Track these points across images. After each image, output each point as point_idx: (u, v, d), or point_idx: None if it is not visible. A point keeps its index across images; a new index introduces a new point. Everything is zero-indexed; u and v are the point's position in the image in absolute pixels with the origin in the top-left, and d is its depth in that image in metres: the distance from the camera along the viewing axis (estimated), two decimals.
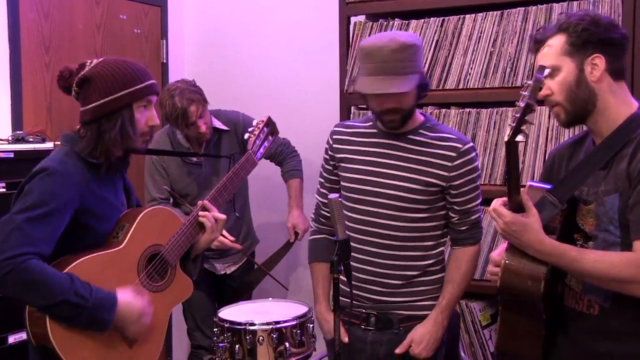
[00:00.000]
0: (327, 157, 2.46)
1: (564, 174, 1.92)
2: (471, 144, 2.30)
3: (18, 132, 3.02)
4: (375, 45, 2.17)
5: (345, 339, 2.35)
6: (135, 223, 2.14)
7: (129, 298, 2.04)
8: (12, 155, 2.74)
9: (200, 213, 2.30)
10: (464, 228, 2.32)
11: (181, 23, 4.20)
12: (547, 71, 1.72)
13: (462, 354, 2.77)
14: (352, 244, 2.31)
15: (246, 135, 2.60)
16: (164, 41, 4.07)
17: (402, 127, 2.29)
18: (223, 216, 2.34)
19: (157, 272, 2.21)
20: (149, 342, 2.18)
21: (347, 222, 2.31)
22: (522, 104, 1.67)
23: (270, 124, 2.67)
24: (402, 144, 2.30)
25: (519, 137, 1.67)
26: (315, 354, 2.67)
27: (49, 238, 1.95)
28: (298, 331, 2.49)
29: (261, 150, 2.61)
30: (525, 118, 1.67)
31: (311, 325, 2.56)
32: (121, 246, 2.09)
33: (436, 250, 2.35)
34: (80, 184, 2.02)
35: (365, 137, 2.37)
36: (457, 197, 2.28)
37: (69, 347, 1.97)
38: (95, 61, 2.11)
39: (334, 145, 2.42)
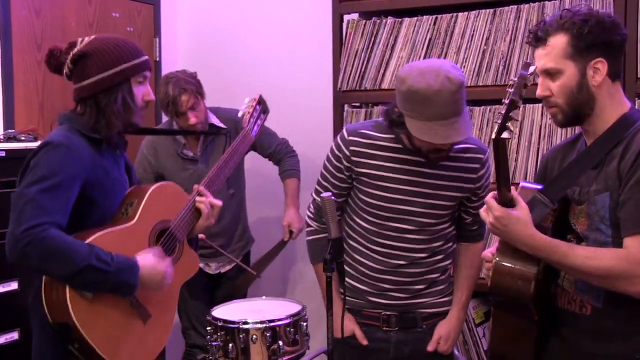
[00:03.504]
0: (342, 166, 2.33)
1: (556, 173, 1.92)
2: (489, 150, 2.33)
3: (10, 130, 3.00)
4: (432, 89, 2.04)
5: (364, 342, 2.37)
6: (145, 198, 2.15)
7: (151, 260, 2.07)
8: (3, 154, 2.73)
9: (197, 199, 2.30)
10: (476, 227, 2.38)
11: (174, 21, 4.19)
12: (532, 68, 1.70)
13: (456, 352, 2.77)
14: (376, 256, 2.33)
15: (240, 113, 2.60)
16: (157, 39, 4.05)
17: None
18: (219, 202, 2.34)
19: (167, 248, 2.22)
20: (162, 317, 2.20)
21: (370, 237, 2.33)
22: (507, 101, 1.67)
23: (261, 102, 2.68)
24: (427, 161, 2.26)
25: (505, 134, 1.67)
26: (308, 352, 2.67)
27: (62, 209, 1.97)
28: (291, 329, 2.49)
29: (255, 128, 2.60)
30: (510, 115, 1.67)
31: (305, 324, 2.56)
32: (132, 222, 2.10)
33: (452, 249, 2.41)
34: (85, 158, 2.04)
35: (390, 151, 2.28)
36: (477, 201, 2.33)
37: (89, 322, 1.97)
38: (87, 39, 2.12)
39: (353, 158, 2.30)
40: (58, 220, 1.94)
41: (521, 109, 2.80)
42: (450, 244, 2.38)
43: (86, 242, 1.97)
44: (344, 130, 2.37)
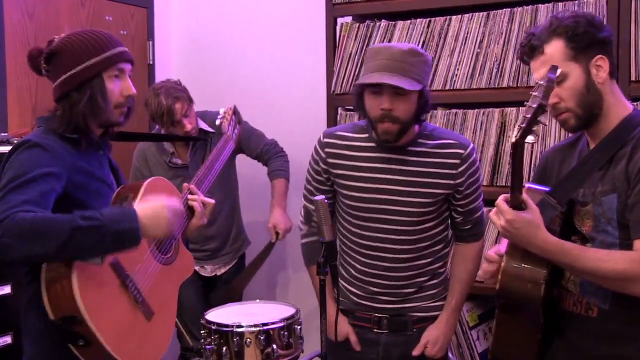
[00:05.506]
0: (319, 169, 2.36)
1: (563, 176, 1.90)
2: (472, 145, 2.28)
3: (2, 134, 2.99)
4: (386, 45, 2.17)
5: (357, 348, 2.37)
6: (142, 191, 2.03)
7: (148, 203, 1.92)
8: None
9: (189, 197, 2.23)
10: (468, 227, 2.33)
11: (167, 24, 4.18)
12: (559, 70, 1.69)
13: (450, 355, 2.77)
14: (362, 259, 2.33)
15: (217, 121, 2.62)
16: (151, 42, 4.05)
17: (397, 141, 2.23)
18: (211, 200, 2.27)
19: (164, 244, 2.14)
20: (164, 315, 2.13)
21: (354, 239, 2.33)
22: (534, 105, 1.65)
23: (236, 112, 2.71)
24: (403, 157, 2.25)
25: (530, 138, 1.66)
26: (302, 355, 2.67)
27: (37, 199, 1.80)
28: (285, 333, 2.48)
29: (233, 136, 2.65)
30: (538, 119, 1.65)
31: (298, 327, 2.56)
32: None
33: (443, 252, 2.37)
34: (64, 158, 1.91)
35: (363, 151, 2.29)
36: (463, 199, 2.28)
37: (96, 314, 1.84)
38: (62, 35, 2.01)
39: (329, 160, 2.33)
40: (29, 208, 1.76)
41: (516, 111, 2.80)
42: (439, 247, 2.34)
43: None
44: (322, 133, 2.39)
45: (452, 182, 2.24)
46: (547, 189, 1.85)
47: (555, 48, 1.79)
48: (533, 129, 1.66)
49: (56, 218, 1.77)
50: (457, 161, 2.24)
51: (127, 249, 1.86)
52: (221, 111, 2.68)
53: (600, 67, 1.79)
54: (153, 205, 1.92)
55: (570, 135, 2.04)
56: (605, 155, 1.81)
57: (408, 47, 2.15)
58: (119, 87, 2.00)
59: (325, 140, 2.35)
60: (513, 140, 1.67)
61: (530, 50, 1.84)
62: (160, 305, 2.09)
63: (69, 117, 1.96)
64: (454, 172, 2.24)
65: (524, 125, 1.65)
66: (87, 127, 1.98)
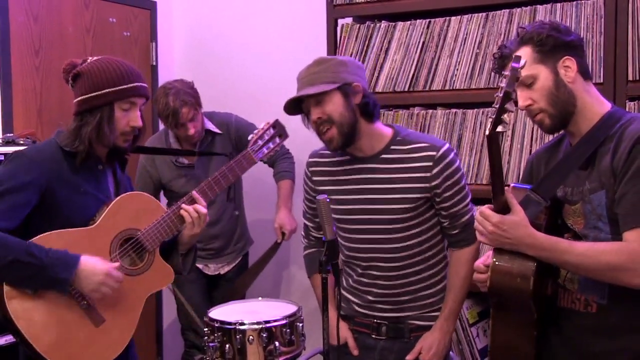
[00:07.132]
0: (307, 188, 2.47)
1: (546, 172, 1.94)
2: (446, 146, 2.26)
3: (8, 134, 3.02)
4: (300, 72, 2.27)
5: (355, 352, 2.40)
6: (111, 205, 2.17)
7: (94, 260, 2.07)
8: (2, 158, 2.75)
9: (183, 206, 2.28)
10: (456, 231, 2.32)
11: (170, 26, 4.21)
12: (522, 61, 1.74)
13: (450, 353, 2.79)
14: (357, 269, 2.37)
15: (250, 136, 2.56)
16: (154, 44, 4.08)
17: (349, 145, 2.26)
18: (204, 210, 2.30)
19: (131, 256, 2.22)
20: (119, 323, 2.19)
21: (347, 252, 2.37)
22: (500, 94, 1.70)
23: (277, 126, 2.61)
24: (377, 166, 2.29)
25: (500, 128, 1.70)
26: (304, 352, 2.69)
27: (6, 213, 2.01)
28: (287, 330, 2.50)
29: (264, 150, 2.54)
30: (506, 106, 1.70)
31: (301, 325, 2.58)
32: (92, 226, 2.13)
33: (437, 258, 2.37)
34: (48, 169, 2.09)
35: (340, 165, 2.36)
36: (443, 202, 2.27)
37: (25, 315, 2.02)
38: (93, 58, 2.19)
39: (313, 178, 2.43)
40: None
41: (514, 112, 2.82)
42: (429, 254, 2.34)
43: (33, 240, 2.02)
44: (309, 154, 2.49)
45: (427, 185, 2.25)
46: (530, 187, 1.89)
47: (523, 53, 1.85)
48: (502, 117, 1.70)
49: (7, 243, 1.97)
50: (430, 163, 2.24)
51: (55, 290, 2.05)
52: (261, 125, 2.59)
53: (569, 67, 1.86)
54: (95, 264, 2.07)
55: (552, 137, 2.09)
56: (587, 150, 1.85)
57: (313, 61, 2.27)
58: (127, 118, 2.16)
59: (310, 159, 2.47)
60: (487, 133, 1.71)
61: (501, 59, 1.93)
62: (116, 312, 2.18)
63: (77, 134, 2.14)
64: (427, 174, 2.24)
65: (494, 116, 1.70)
66: (91, 146, 2.14)
